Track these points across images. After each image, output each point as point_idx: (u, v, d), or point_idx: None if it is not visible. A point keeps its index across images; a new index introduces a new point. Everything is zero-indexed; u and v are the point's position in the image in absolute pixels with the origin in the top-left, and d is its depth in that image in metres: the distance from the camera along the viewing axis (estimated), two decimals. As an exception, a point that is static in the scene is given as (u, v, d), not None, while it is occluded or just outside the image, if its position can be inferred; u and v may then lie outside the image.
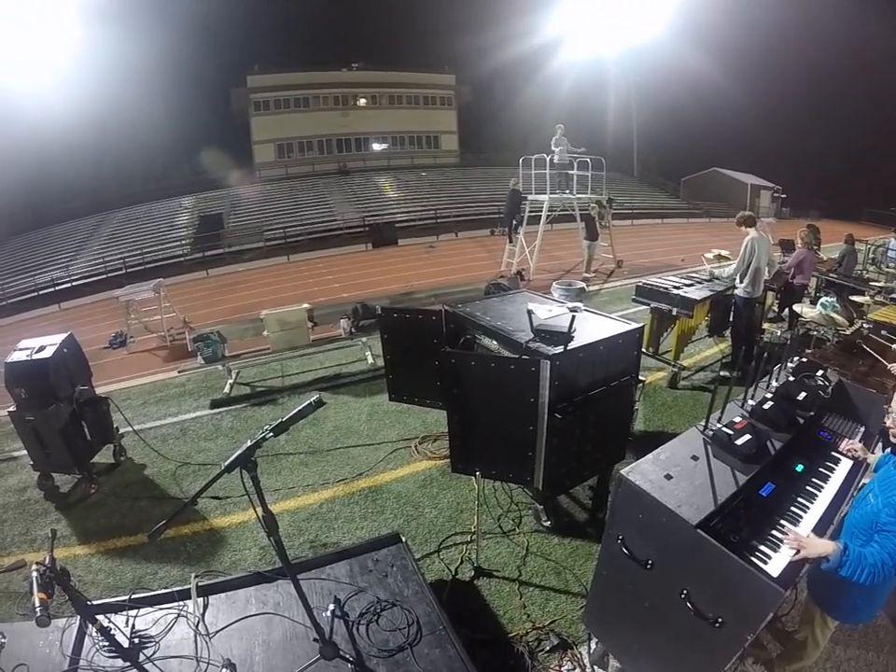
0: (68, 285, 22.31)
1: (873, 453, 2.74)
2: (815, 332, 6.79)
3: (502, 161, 35.14)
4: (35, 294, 21.71)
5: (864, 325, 6.01)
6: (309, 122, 39.21)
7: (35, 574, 1.95)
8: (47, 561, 2.04)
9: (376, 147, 42.14)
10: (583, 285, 8.29)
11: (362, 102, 41.14)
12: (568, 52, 37.07)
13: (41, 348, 4.55)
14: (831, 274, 9.45)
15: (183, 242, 26.70)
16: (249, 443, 2.14)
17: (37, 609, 1.85)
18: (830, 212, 34.62)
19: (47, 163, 29.64)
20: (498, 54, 35.59)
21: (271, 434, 2.19)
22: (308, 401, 2.31)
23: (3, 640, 2.24)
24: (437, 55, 40.53)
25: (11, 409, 4.50)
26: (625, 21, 34.92)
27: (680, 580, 2.08)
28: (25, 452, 4.77)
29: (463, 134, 44.48)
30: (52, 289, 21.67)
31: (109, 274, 22.64)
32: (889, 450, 2.51)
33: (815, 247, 8.52)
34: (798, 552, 2.02)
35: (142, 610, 2.78)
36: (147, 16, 29.71)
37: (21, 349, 4.56)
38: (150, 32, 29.57)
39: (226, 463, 2.13)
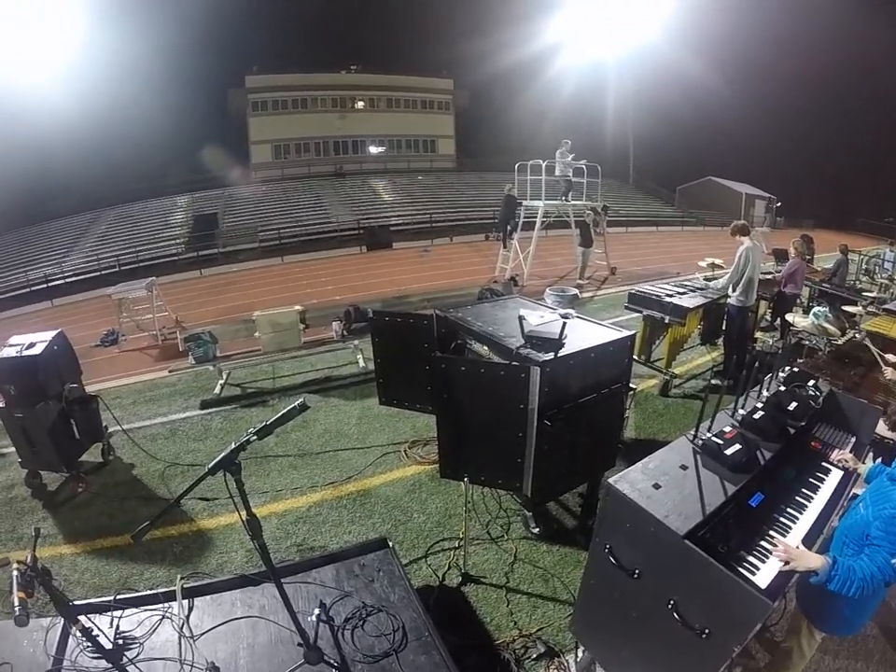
0: (61, 281, 22.13)
1: (863, 463, 2.74)
2: (807, 342, 6.79)
3: (498, 167, 34.90)
4: (28, 290, 21.52)
5: (857, 335, 6.03)
6: (306, 124, 39.26)
7: (15, 573, 1.92)
8: (28, 559, 2.00)
9: (373, 149, 42.26)
10: (576, 291, 8.31)
11: (360, 104, 41.25)
12: (566, 59, 37.34)
13: (31, 345, 4.52)
14: (824, 284, 9.49)
15: (177, 241, 26.49)
16: (233, 446, 2.12)
17: (16, 609, 1.81)
18: (824, 222, 34.86)
19: (47, 159, 29.44)
20: (496, 60, 35.80)
21: (254, 437, 2.17)
22: (292, 405, 2.30)
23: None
24: (435, 59, 40.79)
25: (0, 405, 4.46)
26: (623, 27, 35.10)
27: (668, 590, 2.07)
28: (13, 449, 4.74)
29: (460, 139, 44.66)
30: (45, 286, 21.47)
31: (103, 272, 22.46)
32: (879, 460, 2.52)
33: (808, 257, 8.56)
34: (787, 563, 2.00)
35: (126, 611, 2.74)
36: (147, 15, 29.75)
37: (10, 345, 4.53)
38: (150, 30, 29.64)
39: (209, 465, 2.12)
